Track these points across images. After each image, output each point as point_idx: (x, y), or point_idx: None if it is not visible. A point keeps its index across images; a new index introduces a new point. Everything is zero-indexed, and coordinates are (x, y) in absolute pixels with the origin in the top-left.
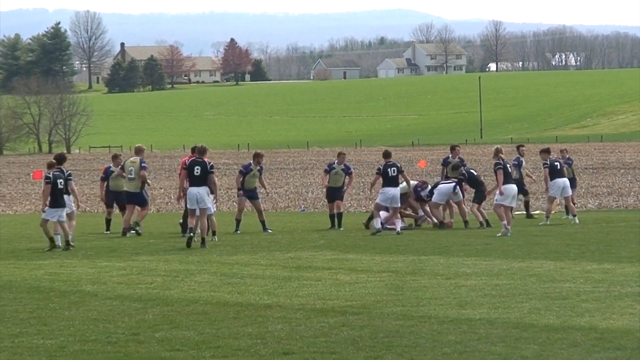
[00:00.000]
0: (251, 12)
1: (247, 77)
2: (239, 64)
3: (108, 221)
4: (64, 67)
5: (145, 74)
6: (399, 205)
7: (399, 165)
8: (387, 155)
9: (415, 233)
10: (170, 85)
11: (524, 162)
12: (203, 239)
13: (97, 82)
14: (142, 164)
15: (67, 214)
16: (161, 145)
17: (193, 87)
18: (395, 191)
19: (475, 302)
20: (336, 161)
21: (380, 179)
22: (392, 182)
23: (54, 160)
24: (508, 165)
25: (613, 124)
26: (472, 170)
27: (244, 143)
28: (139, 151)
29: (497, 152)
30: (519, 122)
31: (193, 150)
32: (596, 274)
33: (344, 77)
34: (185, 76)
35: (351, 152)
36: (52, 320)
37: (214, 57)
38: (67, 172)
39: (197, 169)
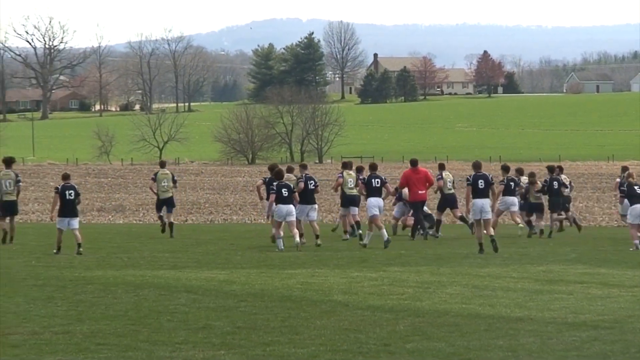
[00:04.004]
0: (504, 25)
1: (500, 89)
2: (491, 76)
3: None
4: (317, 77)
5: (397, 85)
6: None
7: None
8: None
9: None
10: (422, 97)
11: None
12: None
13: (350, 93)
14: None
15: None
16: (413, 156)
17: (445, 98)
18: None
19: None
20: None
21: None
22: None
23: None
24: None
25: None
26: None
27: (495, 155)
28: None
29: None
30: None
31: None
32: None
33: (597, 91)
34: (438, 87)
35: (603, 166)
36: (303, 329)
37: (467, 69)
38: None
39: (482, 182)
